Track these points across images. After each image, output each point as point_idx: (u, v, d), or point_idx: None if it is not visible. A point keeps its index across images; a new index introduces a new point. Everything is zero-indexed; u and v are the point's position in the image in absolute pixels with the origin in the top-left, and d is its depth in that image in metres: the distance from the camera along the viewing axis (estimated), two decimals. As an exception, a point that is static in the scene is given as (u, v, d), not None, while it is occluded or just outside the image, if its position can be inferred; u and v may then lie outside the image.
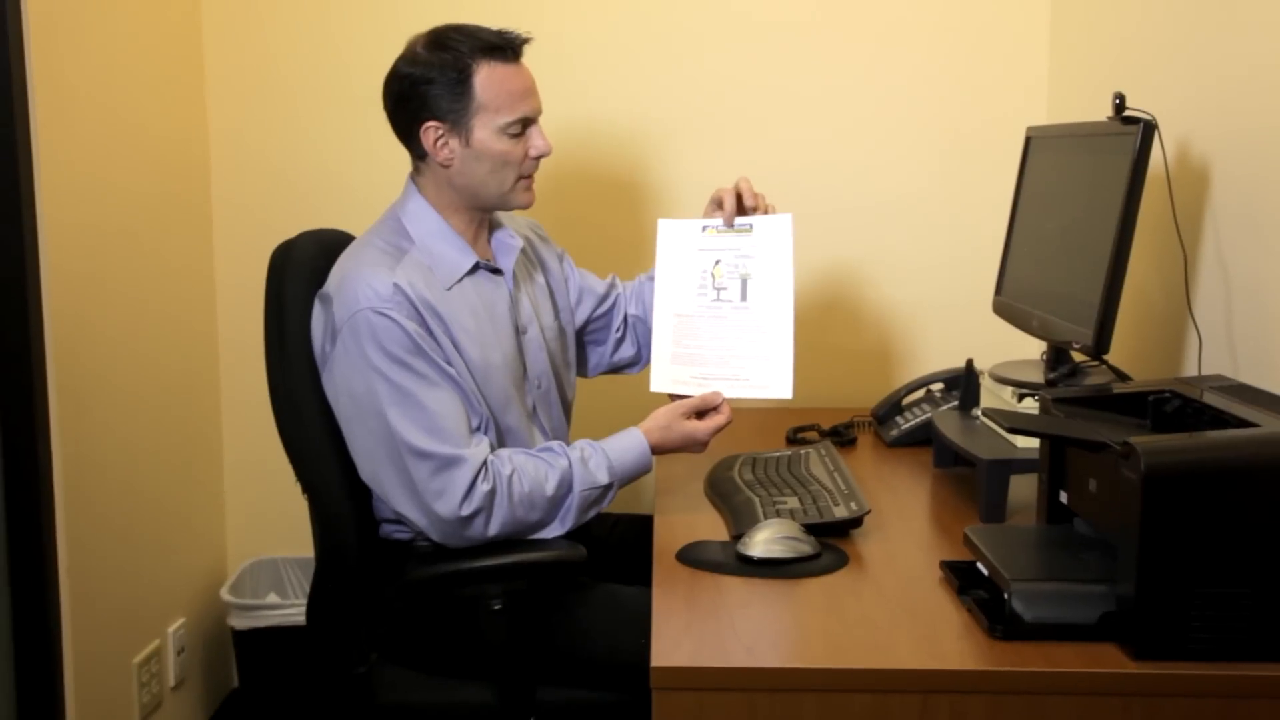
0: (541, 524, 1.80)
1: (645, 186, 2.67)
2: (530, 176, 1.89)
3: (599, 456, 1.84)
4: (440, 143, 1.84)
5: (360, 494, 1.82)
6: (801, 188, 2.63)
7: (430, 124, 1.83)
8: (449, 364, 1.77)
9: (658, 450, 1.88)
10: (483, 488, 1.73)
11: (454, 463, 1.73)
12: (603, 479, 1.83)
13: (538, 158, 1.88)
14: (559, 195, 2.64)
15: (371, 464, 1.76)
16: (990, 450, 1.86)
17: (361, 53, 2.62)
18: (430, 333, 1.77)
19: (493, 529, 1.76)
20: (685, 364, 1.96)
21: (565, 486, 1.80)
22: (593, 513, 1.84)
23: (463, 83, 1.81)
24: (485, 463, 1.75)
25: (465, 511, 1.73)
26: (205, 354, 2.71)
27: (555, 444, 1.85)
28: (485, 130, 1.83)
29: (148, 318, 2.45)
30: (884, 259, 2.67)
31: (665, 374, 1.98)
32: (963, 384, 2.14)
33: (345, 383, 1.76)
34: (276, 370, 1.82)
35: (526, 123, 1.86)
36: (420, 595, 1.82)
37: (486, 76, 1.82)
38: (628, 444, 1.86)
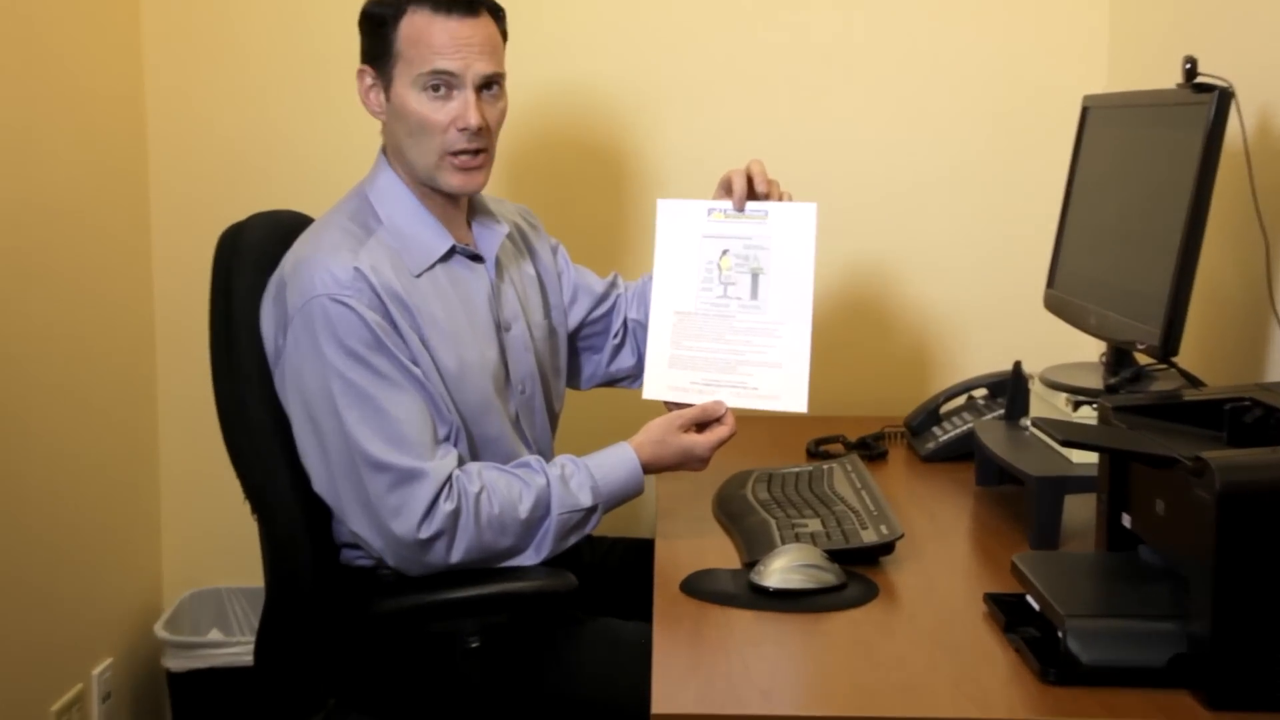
0: (513, 551, 1.79)
1: (639, 165, 2.68)
2: (462, 153, 1.85)
3: (582, 475, 1.83)
4: (371, 91, 1.86)
5: (318, 514, 1.82)
6: (823, 164, 2.64)
7: (362, 67, 1.87)
8: (414, 363, 1.77)
9: (650, 468, 1.88)
10: (445, 507, 1.73)
11: (414, 477, 1.72)
12: (585, 501, 1.82)
13: (464, 130, 1.83)
14: (541, 174, 2.64)
15: (325, 475, 1.76)
16: (1041, 466, 1.86)
17: (324, 2, 2.62)
18: (394, 325, 1.77)
19: (456, 554, 1.75)
20: (684, 368, 1.96)
21: (542, 508, 1.80)
22: (573, 539, 1.83)
23: (390, 23, 1.82)
24: (450, 478, 1.75)
25: (424, 534, 1.73)
26: (140, 352, 2.71)
27: (532, 459, 1.85)
28: (402, 83, 1.83)
29: (71, 309, 2.44)
30: (918, 248, 2.68)
31: (661, 379, 1.98)
32: (1009, 390, 2.14)
33: (297, 381, 1.76)
34: (223, 371, 1.82)
35: (450, 82, 1.82)
36: (386, 631, 1.81)
37: (413, 21, 1.82)
38: (615, 461, 1.86)
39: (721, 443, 1.89)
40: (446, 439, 1.79)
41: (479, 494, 1.75)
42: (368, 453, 1.72)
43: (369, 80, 1.86)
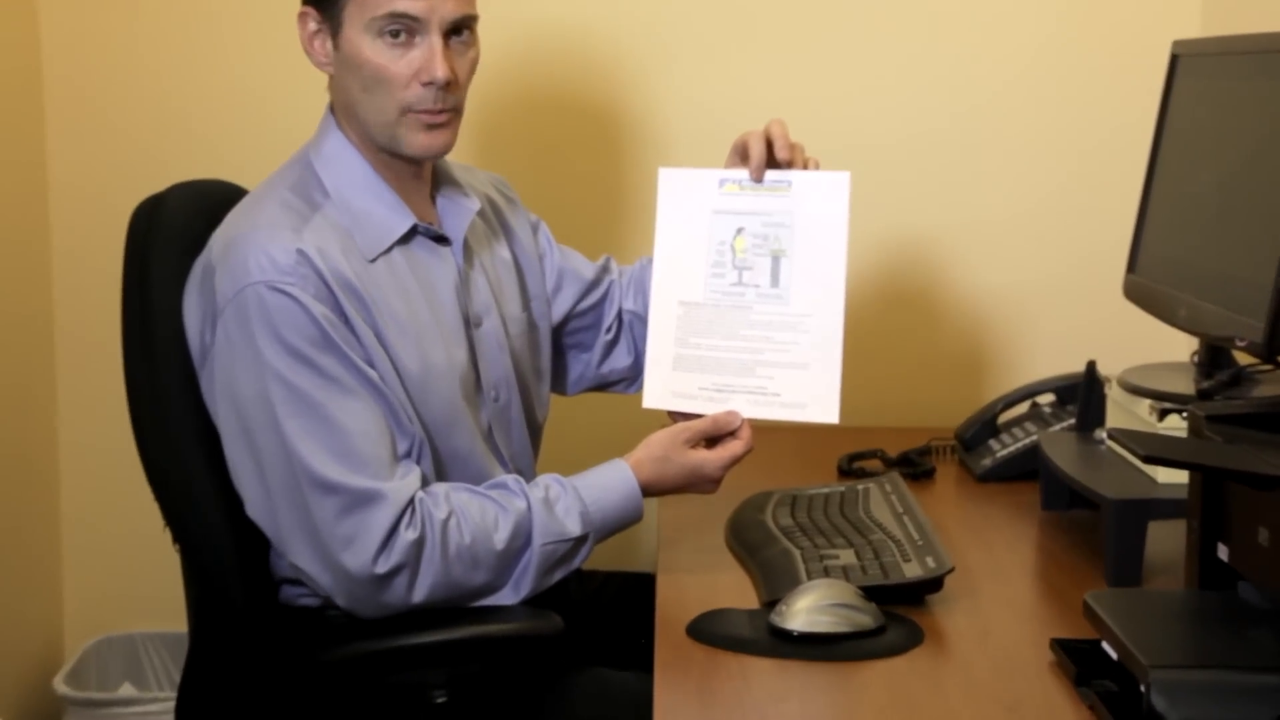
0: (487, 588, 1.80)
1: (636, 126, 2.68)
2: (428, 112, 1.85)
3: (569, 498, 1.83)
4: (315, 38, 1.86)
5: (252, 543, 1.82)
6: (858, 124, 2.64)
7: (304, 9, 1.86)
8: (369, 364, 1.77)
9: (651, 490, 1.88)
10: (407, 536, 1.73)
11: (369, 500, 1.72)
12: (573, 529, 1.82)
13: (429, 84, 1.82)
14: (518, 137, 2.64)
15: (262, 498, 1.76)
16: (1120, 487, 1.86)
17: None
18: (345, 319, 1.77)
19: (419, 593, 1.75)
20: (692, 371, 1.97)
21: (521, 538, 1.80)
22: (558, 575, 1.84)
23: None
24: (412, 501, 1.75)
25: (382, 568, 1.73)
26: (35, 349, 2.71)
27: (510, 479, 1.85)
28: (354, 27, 1.83)
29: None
30: (971, 225, 2.68)
31: (663, 384, 1.98)
32: (1081, 395, 2.14)
33: (228, 386, 1.76)
34: (139, 376, 1.83)
35: (412, 27, 1.82)
36: (334, 684, 1.81)
37: None
38: (609, 482, 1.86)
39: (736, 460, 1.90)
40: (407, 455, 1.79)
41: (447, 520, 1.76)
42: (314, 471, 1.72)
43: (312, 25, 1.85)
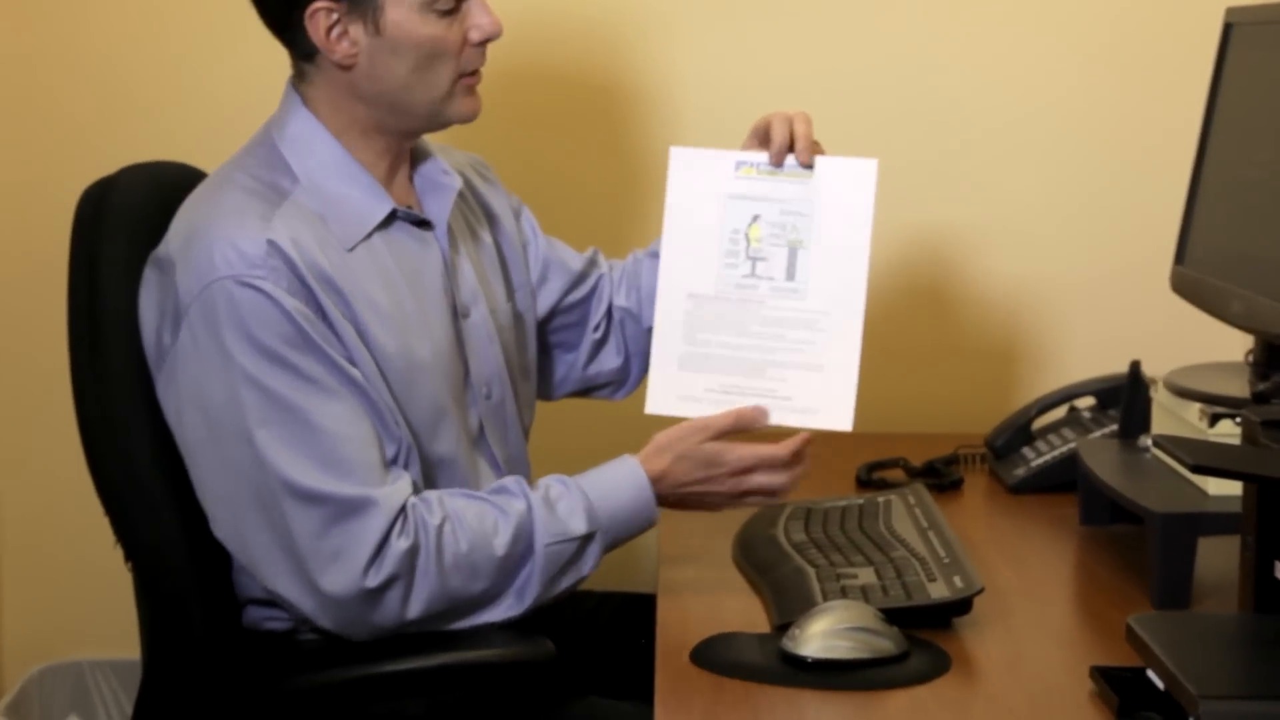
0: (488, 598, 1.81)
1: (634, 103, 2.68)
2: (475, 73, 1.91)
3: (572, 496, 1.85)
4: (335, 31, 1.84)
5: (213, 560, 1.83)
6: (882, 104, 2.65)
7: (318, 4, 1.84)
8: (352, 363, 1.78)
9: (663, 483, 1.89)
10: (399, 545, 1.73)
11: (358, 508, 1.73)
12: (577, 527, 1.83)
13: (483, 42, 1.89)
14: (500, 114, 2.61)
15: (231, 514, 1.77)
16: (1167, 500, 1.87)
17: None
18: (323, 314, 1.77)
19: (414, 608, 1.76)
20: (699, 371, 1.99)
21: (523, 542, 1.81)
22: (566, 582, 1.85)
23: None
24: (404, 508, 1.75)
25: (373, 581, 1.73)
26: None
27: (510, 481, 1.86)
28: (400, 7, 1.84)
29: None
30: (1003, 213, 2.69)
31: (669, 387, 2.00)
32: (1124, 399, 2.15)
33: (194, 391, 1.76)
34: (86, 378, 1.83)
35: None
36: (304, 714, 1.81)
37: None
38: (616, 479, 1.88)
39: (763, 464, 1.90)
40: (395, 460, 1.81)
41: (441, 526, 1.77)
42: (294, 482, 1.73)
43: (331, 17, 1.83)
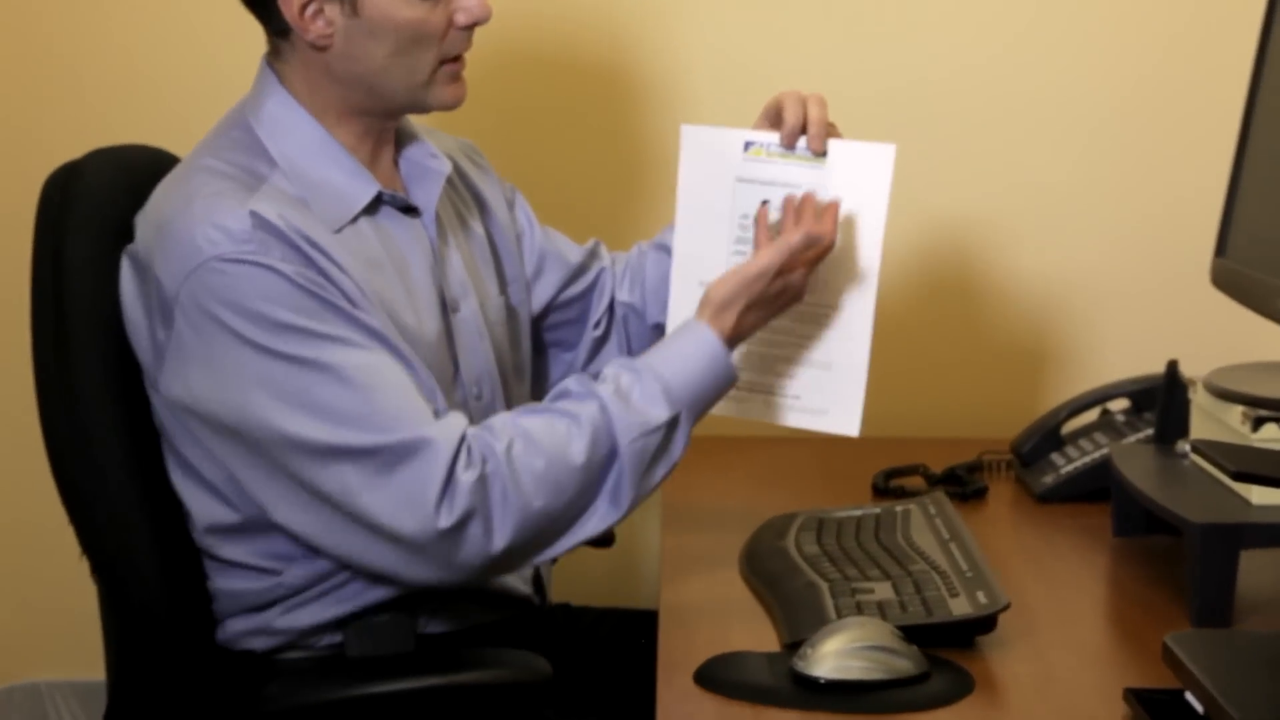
0: (579, 509, 1.81)
1: (638, 82, 2.68)
2: (459, 59, 1.91)
3: (646, 381, 1.84)
4: (310, 10, 1.85)
5: (187, 573, 1.84)
6: (901, 84, 2.65)
7: None
8: (371, 317, 1.78)
9: (740, 332, 1.89)
10: (466, 478, 1.73)
11: (413, 450, 1.73)
12: (659, 414, 1.83)
13: (470, 26, 1.89)
14: (493, 97, 2.64)
15: (284, 498, 1.77)
16: (1206, 509, 1.86)
17: None
18: (326, 275, 1.77)
19: (502, 536, 1.76)
20: None
21: (604, 445, 1.81)
22: (660, 472, 1.85)
23: None
24: (463, 439, 1.76)
25: (445, 521, 1.73)
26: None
27: (572, 381, 1.86)
28: None
29: None
30: (1029, 204, 2.69)
31: None
32: (1160, 401, 2.15)
33: (205, 380, 1.75)
34: (52, 374, 1.82)
35: None
36: (282, 739, 1.82)
37: None
38: (688, 349, 1.87)
39: (812, 242, 1.90)
40: (437, 411, 1.80)
41: (510, 448, 1.77)
42: (329, 443, 1.72)
43: None
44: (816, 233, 1.90)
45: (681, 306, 2.02)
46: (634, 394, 1.83)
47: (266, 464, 1.76)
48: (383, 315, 1.81)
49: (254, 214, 1.75)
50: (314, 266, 1.76)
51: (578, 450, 1.78)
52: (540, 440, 1.78)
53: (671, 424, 1.83)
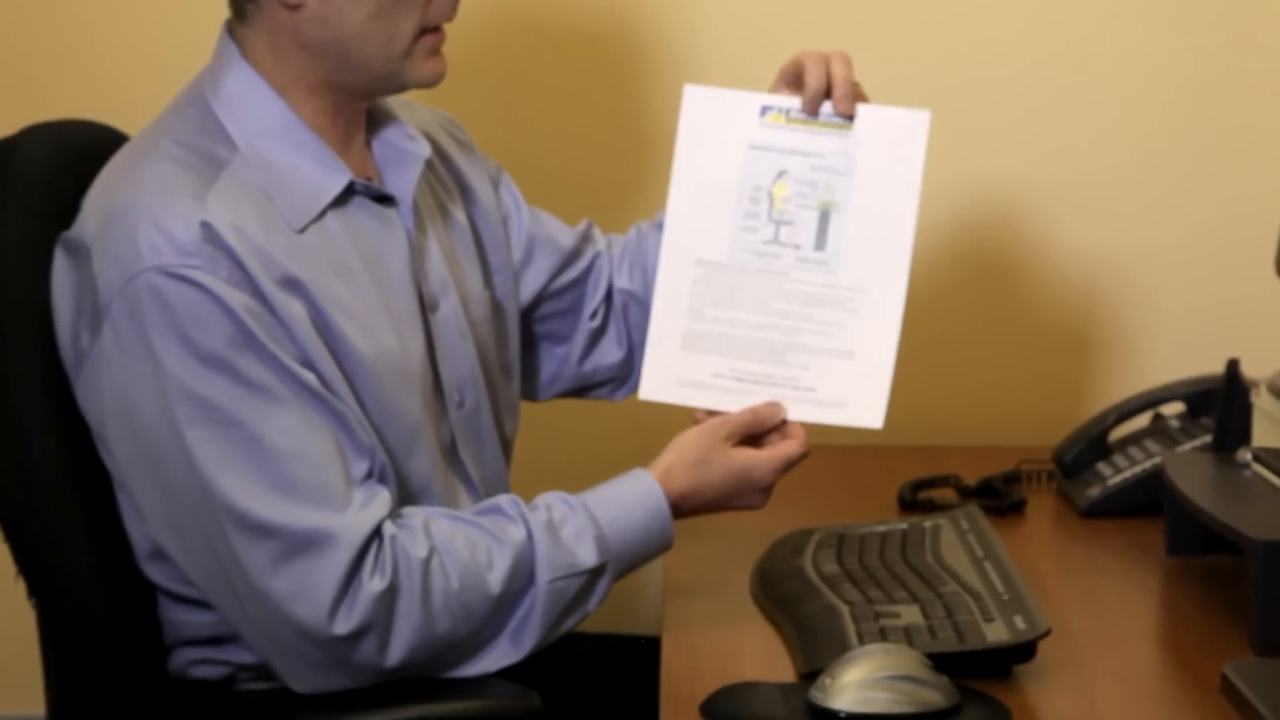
0: (479, 642, 1.82)
1: (641, 46, 2.69)
2: (439, 31, 1.91)
3: (579, 518, 1.86)
4: None
5: (135, 596, 1.85)
6: (934, 47, 2.67)
7: None
8: (307, 365, 1.78)
9: (685, 506, 1.91)
10: (372, 586, 1.74)
11: (313, 543, 1.73)
12: (586, 558, 1.84)
13: None
14: (477, 62, 2.64)
15: (179, 541, 1.79)
16: (1270, 525, 1.86)
17: None
18: (271, 309, 1.77)
19: (395, 654, 1.76)
20: (706, 352, 2.01)
21: (523, 576, 1.82)
22: (570, 622, 1.86)
23: None
24: (377, 537, 1.76)
25: (342, 628, 1.73)
26: None
27: (505, 500, 1.87)
28: None
29: None
30: (1076, 179, 2.70)
31: (667, 369, 2.02)
32: (1219, 405, 2.16)
33: (119, 402, 1.77)
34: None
35: None
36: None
37: None
38: (628, 496, 1.89)
39: (791, 465, 1.92)
40: (369, 476, 1.81)
41: (428, 560, 1.77)
42: (238, 510, 1.73)
43: None
44: (806, 448, 1.95)
45: (671, 285, 2.03)
46: (565, 531, 1.84)
47: (161, 501, 1.78)
48: (324, 356, 1.80)
49: (205, 225, 1.75)
50: (260, 296, 1.76)
51: (496, 578, 1.80)
52: (460, 557, 1.79)
53: (596, 572, 1.85)
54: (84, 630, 1.84)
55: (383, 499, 1.79)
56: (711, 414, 1.97)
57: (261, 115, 1.89)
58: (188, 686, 1.88)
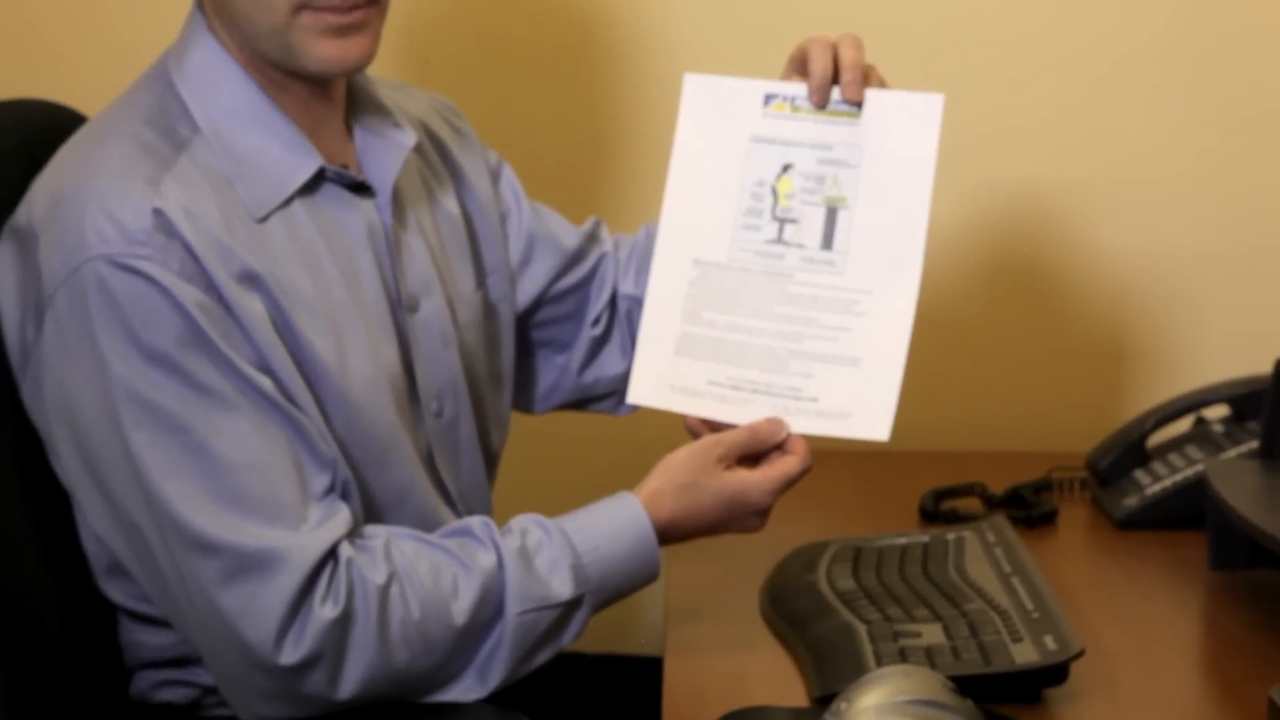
0: (443, 677, 1.81)
1: (643, 31, 2.67)
2: (332, 9, 1.83)
3: (556, 546, 1.83)
4: None
5: (93, 615, 1.84)
6: (947, 30, 2.64)
7: None
8: (263, 369, 1.77)
9: (673, 533, 1.89)
10: (323, 614, 1.72)
11: (260, 564, 1.72)
12: (560, 590, 1.82)
13: None
14: (474, 50, 2.65)
15: (133, 554, 1.78)
16: (1321, 537, 1.85)
17: None
18: (226, 307, 1.76)
19: (347, 687, 1.75)
20: (701, 358, 1.99)
21: (490, 606, 1.80)
22: (541, 657, 1.85)
23: None
24: (332, 559, 1.74)
25: (289, 657, 1.72)
26: None
27: (476, 523, 1.85)
28: None
29: None
30: (1110, 170, 2.68)
31: (658, 374, 2.01)
32: (1266, 409, 2.13)
33: (61, 401, 1.77)
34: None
35: None
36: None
37: None
38: (611, 522, 1.87)
39: (790, 484, 1.91)
40: (330, 491, 1.79)
41: (386, 587, 1.75)
42: (183, 524, 1.72)
43: None
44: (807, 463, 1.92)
45: (665, 285, 2.02)
46: (539, 559, 1.83)
47: (106, 509, 1.77)
48: (284, 359, 1.79)
49: (157, 212, 1.74)
50: (214, 291, 1.75)
51: (461, 609, 1.78)
52: (423, 585, 1.77)
53: (572, 605, 1.83)
54: (40, 653, 1.84)
55: (341, 517, 1.78)
56: (706, 423, 1.97)
57: (226, 93, 1.88)
58: (151, 711, 1.88)
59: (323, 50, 1.84)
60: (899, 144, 1.96)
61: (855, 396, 1.93)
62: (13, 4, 2.67)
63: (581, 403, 2.26)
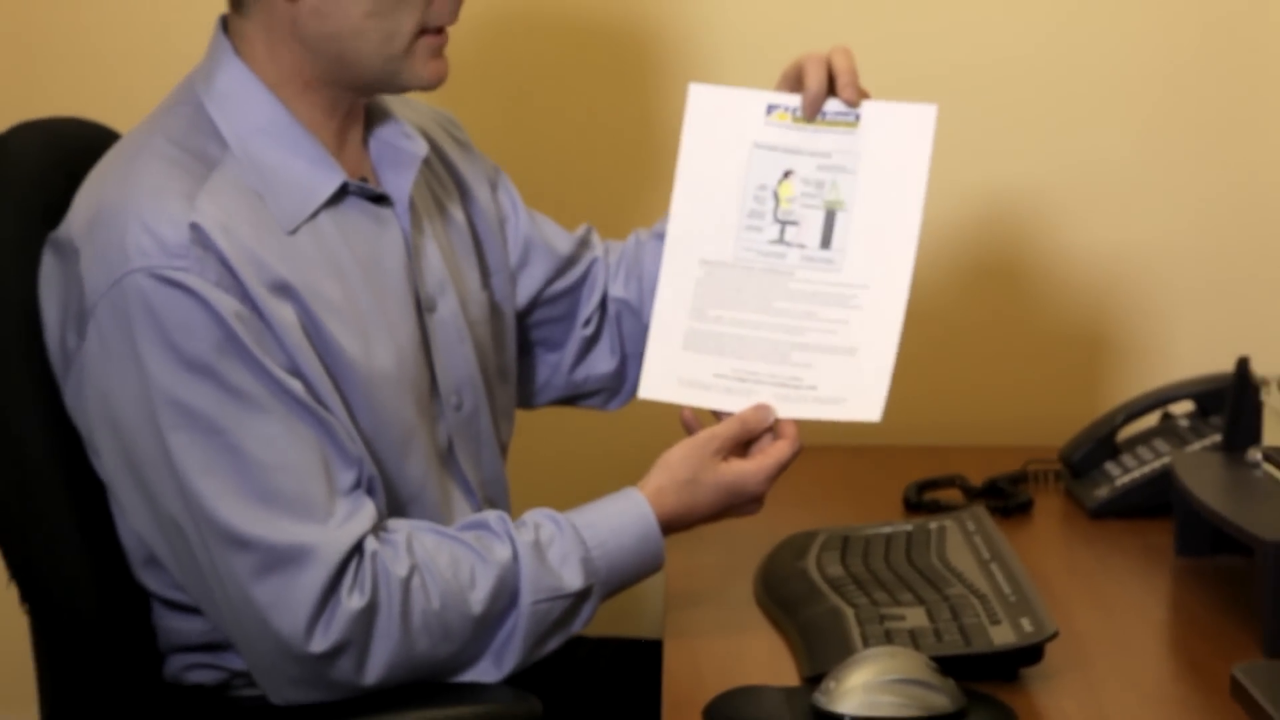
0: (460, 662, 1.83)
1: (647, 45, 2.69)
2: (442, 33, 1.90)
3: (566, 540, 1.86)
4: None
5: (129, 600, 1.86)
6: (945, 44, 2.66)
7: None
8: (294, 373, 1.79)
9: (676, 525, 1.92)
10: (351, 604, 1.75)
11: (292, 559, 1.74)
12: (571, 582, 1.85)
13: None
14: (476, 59, 2.63)
15: (168, 548, 1.80)
16: None
17: None
18: (260, 314, 1.78)
19: (372, 673, 1.77)
20: (708, 352, 2.02)
21: (506, 596, 1.82)
22: (553, 643, 1.87)
23: None
24: (358, 553, 1.76)
25: (319, 645, 1.74)
26: None
27: (492, 517, 1.87)
28: None
29: None
30: (1084, 174, 2.69)
31: (668, 369, 2.03)
32: (1229, 404, 2.16)
33: (104, 405, 1.78)
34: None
35: None
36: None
37: None
38: (618, 517, 1.90)
39: (783, 468, 1.93)
40: (356, 487, 1.81)
41: (408, 579, 1.77)
42: (219, 521, 1.74)
43: None
44: (797, 446, 1.94)
45: (674, 285, 2.04)
46: (551, 552, 1.84)
47: (152, 507, 1.79)
48: (313, 363, 1.81)
49: (194, 226, 1.75)
50: (249, 301, 1.76)
51: (478, 598, 1.80)
52: (443, 576, 1.79)
53: (582, 595, 1.86)
54: (78, 637, 1.85)
55: (367, 511, 1.80)
56: (699, 418, 1.98)
57: (254, 113, 1.89)
58: (183, 692, 1.89)
59: (434, 69, 1.90)
60: (895, 151, 1.98)
61: (850, 383, 1.95)
62: (51, 30, 2.66)
63: (572, 399, 2.27)
